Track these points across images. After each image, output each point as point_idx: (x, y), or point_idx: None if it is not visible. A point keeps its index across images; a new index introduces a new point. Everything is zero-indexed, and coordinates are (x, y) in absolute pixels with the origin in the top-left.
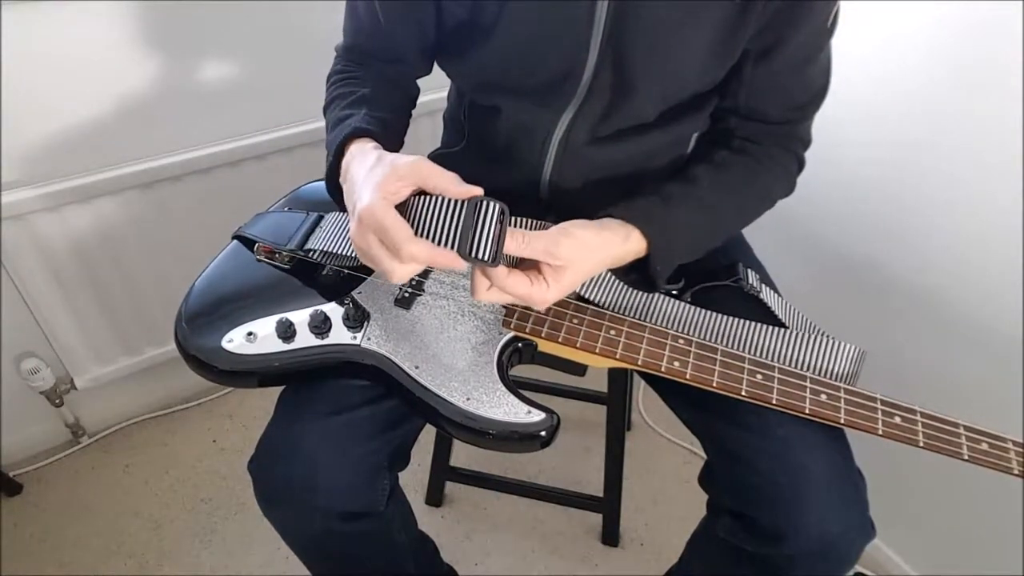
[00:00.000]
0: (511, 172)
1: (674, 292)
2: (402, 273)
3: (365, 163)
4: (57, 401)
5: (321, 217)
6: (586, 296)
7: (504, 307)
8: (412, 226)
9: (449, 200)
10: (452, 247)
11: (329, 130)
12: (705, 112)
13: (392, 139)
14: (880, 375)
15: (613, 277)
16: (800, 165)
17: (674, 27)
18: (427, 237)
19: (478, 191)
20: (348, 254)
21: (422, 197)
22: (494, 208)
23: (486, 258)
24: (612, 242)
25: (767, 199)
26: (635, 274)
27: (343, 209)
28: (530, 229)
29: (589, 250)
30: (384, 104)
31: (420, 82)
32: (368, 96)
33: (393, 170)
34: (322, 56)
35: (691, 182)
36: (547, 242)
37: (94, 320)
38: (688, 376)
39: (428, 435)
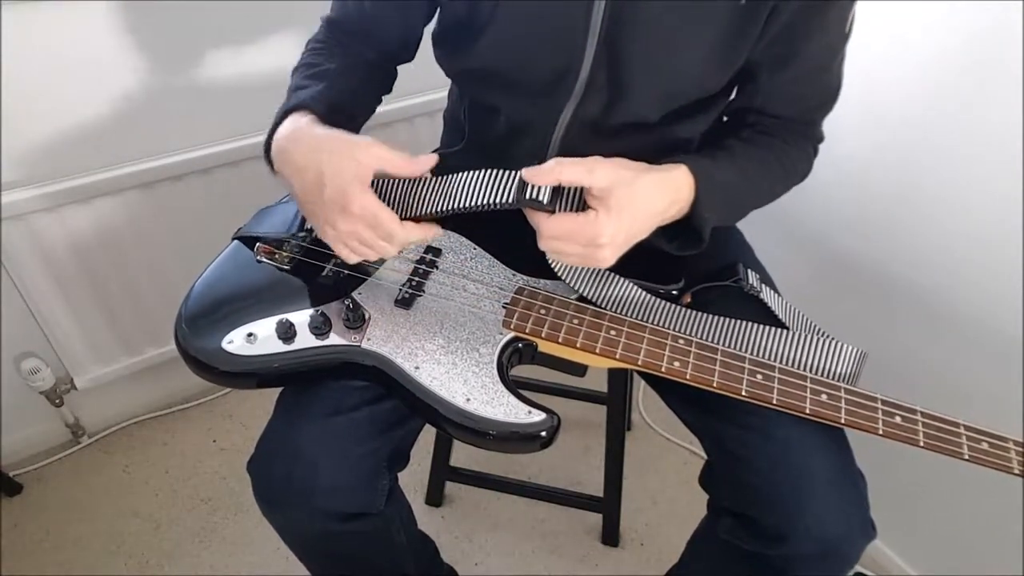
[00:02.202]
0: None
1: (674, 292)
2: (392, 250)
3: (311, 146)
4: (57, 401)
5: None
6: (587, 295)
7: (504, 307)
8: (449, 197)
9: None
10: (507, 198)
11: (286, 95)
12: (710, 115)
13: (339, 120)
14: (880, 375)
15: (616, 276)
16: (815, 152)
17: (673, 27)
18: (475, 199)
19: (430, 162)
20: None
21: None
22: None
23: (542, 197)
24: (655, 168)
25: (792, 173)
26: (678, 241)
27: (272, 169)
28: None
29: (631, 170)
30: (345, 84)
31: (420, 82)
32: (331, 72)
33: (357, 161)
34: None
35: (724, 149)
36: (584, 161)
37: (94, 320)
38: (688, 376)
39: (428, 435)
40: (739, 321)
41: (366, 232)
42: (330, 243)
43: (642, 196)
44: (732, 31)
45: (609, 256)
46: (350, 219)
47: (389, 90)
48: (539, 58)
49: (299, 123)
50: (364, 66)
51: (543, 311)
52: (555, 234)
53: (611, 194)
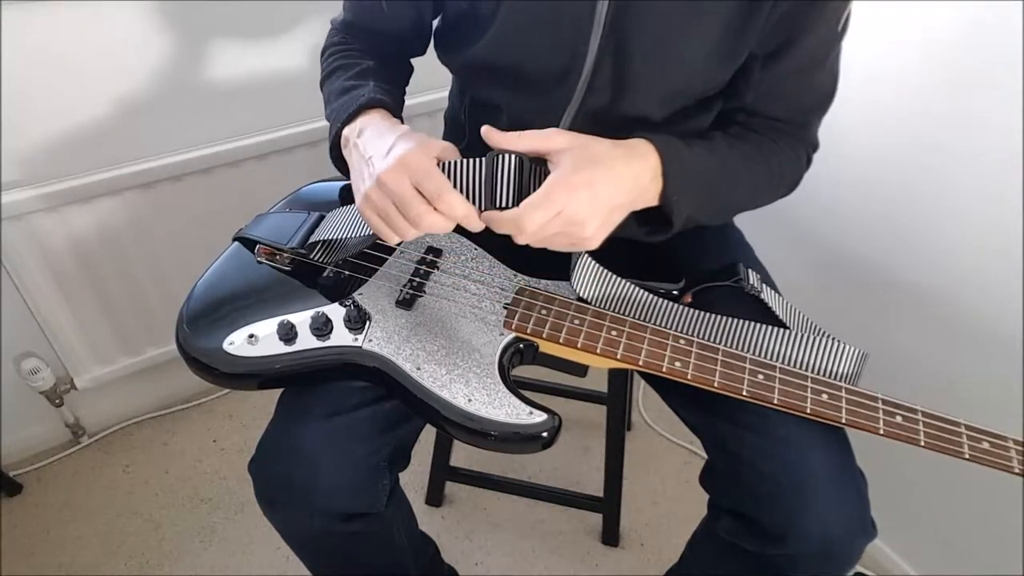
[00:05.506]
0: None
1: (675, 292)
2: (430, 221)
3: (393, 129)
4: (57, 401)
5: (322, 217)
6: (587, 297)
7: (505, 308)
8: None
9: (467, 161)
10: (476, 203)
11: (333, 99)
12: (711, 114)
13: (399, 112)
14: (881, 375)
15: (614, 276)
16: (808, 161)
17: (677, 24)
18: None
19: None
20: (356, 235)
21: (444, 162)
22: (510, 159)
23: (509, 205)
24: (614, 140)
25: (778, 176)
26: (650, 225)
27: (345, 174)
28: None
29: (588, 137)
30: (387, 78)
31: (420, 82)
32: (373, 69)
33: (431, 139)
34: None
35: (705, 138)
36: (540, 131)
37: (94, 320)
38: (689, 376)
39: (428, 435)
40: (740, 321)
41: (408, 189)
42: (360, 202)
43: (602, 153)
44: (736, 25)
45: (588, 208)
46: (396, 169)
47: (408, 83)
48: (542, 54)
49: (383, 115)
50: (392, 62)
51: (544, 312)
52: (534, 223)
53: (568, 151)
